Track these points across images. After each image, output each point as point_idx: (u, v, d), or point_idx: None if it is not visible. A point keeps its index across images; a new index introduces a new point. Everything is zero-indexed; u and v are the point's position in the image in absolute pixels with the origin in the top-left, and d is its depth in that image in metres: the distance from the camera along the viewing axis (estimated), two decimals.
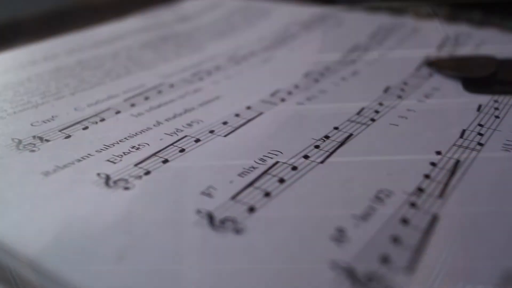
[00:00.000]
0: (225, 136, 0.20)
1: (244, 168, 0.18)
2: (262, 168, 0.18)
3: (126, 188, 0.17)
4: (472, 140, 0.20)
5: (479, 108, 0.23)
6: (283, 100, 0.24)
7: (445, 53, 0.31)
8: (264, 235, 0.14)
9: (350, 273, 0.13)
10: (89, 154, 0.19)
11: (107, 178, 0.17)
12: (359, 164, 0.18)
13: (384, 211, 0.16)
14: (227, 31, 0.36)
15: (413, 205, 0.16)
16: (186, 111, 0.23)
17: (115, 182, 0.17)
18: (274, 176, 0.17)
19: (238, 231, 0.15)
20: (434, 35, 0.34)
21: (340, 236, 0.14)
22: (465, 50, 0.31)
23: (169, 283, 0.13)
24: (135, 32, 0.36)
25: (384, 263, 0.13)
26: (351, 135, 0.21)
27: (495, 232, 0.15)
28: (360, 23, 0.36)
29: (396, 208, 0.16)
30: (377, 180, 0.17)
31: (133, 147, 0.20)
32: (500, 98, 0.24)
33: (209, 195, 0.16)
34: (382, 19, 0.37)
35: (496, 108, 0.23)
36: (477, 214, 0.15)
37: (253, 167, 0.18)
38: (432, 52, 0.31)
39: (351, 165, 0.18)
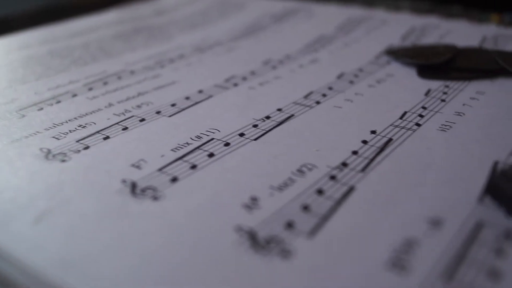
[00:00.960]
0: (169, 116, 0.21)
1: (178, 144, 0.19)
2: (196, 144, 0.19)
3: (63, 161, 0.18)
4: (410, 121, 0.21)
5: (427, 92, 0.24)
6: (235, 84, 0.25)
7: (409, 43, 0.31)
8: (180, 202, 0.15)
9: (251, 235, 0.14)
10: (37, 132, 0.20)
11: (48, 152, 0.18)
12: (291, 141, 0.19)
13: (303, 182, 0.16)
14: (200, 24, 0.36)
15: (332, 177, 0.16)
16: (139, 94, 0.24)
17: (54, 155, 0.18)
18: (205, 151, 0.18)
19: (156, 198, 0.15)
20: (401, 27, 0.34)
21: (252, 204, 0.15)
22: (430, 40, 0.31)
23: (81, 245, 0.13)
24: (110, 25, 0.37)
25: (287, 228, 0.14)
26: (292, 115, 0.21)
27: (406, 204, 0.15)
28: (330, 15, 0.37)
29: (315, 180, 0.16)
30: (304, 156, 0.18)
31: (80, 125, 0.20)
32: (452, 83, 0.25)
33: (138, 167, 0.17)
34: (352, 12, 0.37)
35: (445, 93, 0.24)
36: (393, 188, 0.16)
37: (188, 143, 0.19)
38: (397, 42, 0.31)
39: (283, 142, 0.19)
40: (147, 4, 0.41)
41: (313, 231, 0.14)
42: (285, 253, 0.13)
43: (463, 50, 0.28)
